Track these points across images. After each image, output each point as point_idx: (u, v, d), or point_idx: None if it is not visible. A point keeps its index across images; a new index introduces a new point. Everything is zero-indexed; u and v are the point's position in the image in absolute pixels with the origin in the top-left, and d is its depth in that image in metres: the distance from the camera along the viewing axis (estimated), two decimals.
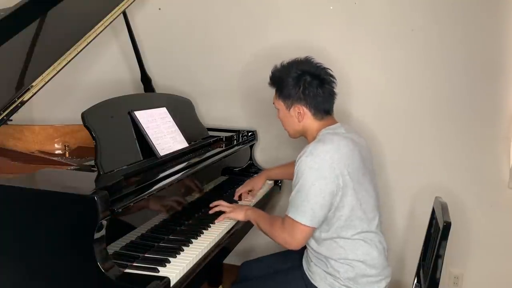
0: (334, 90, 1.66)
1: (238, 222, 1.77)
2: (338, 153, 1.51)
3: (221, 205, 1.78)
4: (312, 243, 1.61)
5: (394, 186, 2.35)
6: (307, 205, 1.48)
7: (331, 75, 1.65)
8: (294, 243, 1.53)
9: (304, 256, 1.71)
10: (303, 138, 1.69)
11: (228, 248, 1.72)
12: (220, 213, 1.76)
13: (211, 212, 1.77)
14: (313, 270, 1.62)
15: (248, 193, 2.07)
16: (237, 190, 2.06)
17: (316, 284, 1.60)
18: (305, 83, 1.60)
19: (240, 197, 2.03)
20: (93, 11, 2.01)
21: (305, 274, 1.65)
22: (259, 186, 2.09)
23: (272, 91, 1.65)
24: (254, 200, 2.04)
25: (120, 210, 1.31)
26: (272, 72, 1.70)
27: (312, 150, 1.52)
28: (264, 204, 2.15)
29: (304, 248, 1.72)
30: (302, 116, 1.63)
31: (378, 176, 2.35)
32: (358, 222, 1.55)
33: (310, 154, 1.51)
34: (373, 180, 1.66)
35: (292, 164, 1.99)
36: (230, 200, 1.98)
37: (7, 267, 1.33)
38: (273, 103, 1.72)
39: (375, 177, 1.69)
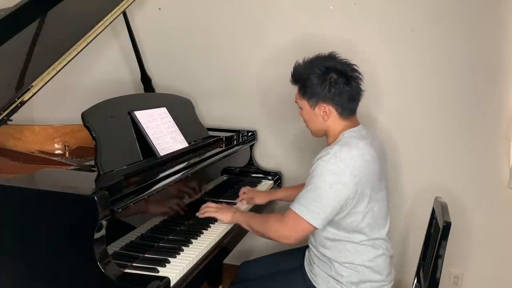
0: (361, 87, 1.58)
1: None
2: (362, 160, 1.47)
3: (208, 206, 1.75)
4: (317, 245, 1.60)
5: (394, 186, 2.34)
6: (318, 205, 1.45)
7: (358, 71, 1.58)
8: (291, 238, 1.50)
9: (305, 257, 1.69)
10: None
11: (228, 248, 1.72)
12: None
13: (200, 216, 1.73)
14: (316, 272, 1.60)
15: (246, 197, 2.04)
16: (243, 188, 2.03)
17: (318, 287, 1.58)
18: (331, 81, 1.53)
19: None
20: (93, 11, 2.01)
21: (306, 275, 1.64)
22: (260, 201, 2.01)
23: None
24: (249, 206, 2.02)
25: (120, 210, 1.32)
26: (294, 69, 1.63)
27: (336, 153, 1.46)
28: (262, 207, 2.14)
29: (305, 248, 1.72)
30: (328, 116, 1.56)
31: None
32: (368, 229, 1.53)
33: (333, 157, 1.45)
34: (386, 187, 1.62)
35: (297, 188, 1.98)
36: (231, 200, 1.98)
37: (7, 267, 1.33)
38: (296, 101, 1.65)
39: (387, 183, 1.65)
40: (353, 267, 1.53)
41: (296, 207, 1.48)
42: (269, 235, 1.55)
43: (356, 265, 1.53)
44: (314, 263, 1.62)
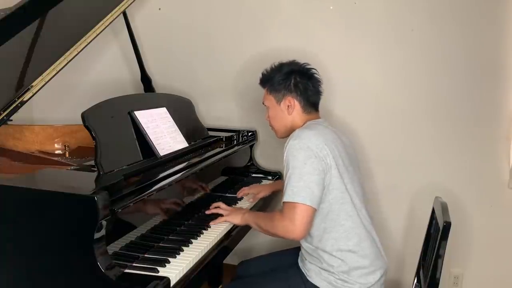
0: (320, 88, 1.75)
1: None
2: (323, 136, 1.57)
3: (220, 207, 1.79)
4: (305, 239, 1.62)
5: (394, 186, 2.35)
6: (302, 184, 1.49)
7: (318, 74, 1.75)
8: (296, 230, 1.49)
9: (299, 255, 1.72)
10: None
11: (228, 248, 1.72)
12: (218, 214, 1.77)
13: (208, 212, 1.78)
14: (308, 267, 1.63)
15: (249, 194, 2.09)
16: (243, 188, 2.08)
17: (312, 281, 1.61)
18: (296, 77, 1.70)
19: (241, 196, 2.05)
20: (93, 11, 2.01)
21: (301, 271, 1.67)
22: (265, 193, 2.11)
23: None
24: (250, 203, 2.04)
25: (120, 210, 1.32)
26: (262, 74, 1.80)
27: (298, 134, 1.57)
28: (265, 203, 2.15)
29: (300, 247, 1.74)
30: (292, 108, 1.69)
31: (378, 177, 2.36)
32: (347, 207, 1.57)
33: (297, 137, 1.56)
34: (359, 177, 1.69)
35: None
36: (231, 201, 1.98)
37: (7, 267, 1.33)
38: (263, 103, 1.79)
39: (360, 175, 1.73)
40: (340, 254, 1.56)
41: (285, 197, 1.52)
42: (275, 232, 1.57)
43: (343, 251, 1.56)
44: (306, 259, 1.65)
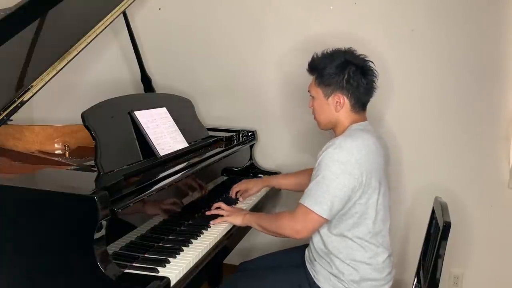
0: (375, 83, 1.63)
1: None
2: (366, 150, 1.50)
3: (221, 207, 1.78)
4: (318, 240, 1.60)
5: (394, 186, 2.34)
6: (327, 196, 1.46)
7: (374, 68, 1.62)
8: (303, 233, 1.51)
9: (306, 256, 1.70)
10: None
11: (228, 248, 1.72)
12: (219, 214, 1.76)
13: (208, 213, 1.76)
14: (317, 270, 1.61)
15: (241, 194, 2.04)
16: (233, 187, 2.03)
17: (319, 284, 1.59)
18: (349, 73, 1.56)
19: (236, 195, 2.03)
20: (93, 11, 2.01)
21: (308, 272, 1.64)
22: (254, 191, 2.04)
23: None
24: (252, 202, 2.03)
25: (120, 210, 1.32)
26: (312, 59, 1.65)
27: (341, 143, 1.49)
28: (263, 205, 2.15)
29: (304, 247, 1.73)
30: (341, 106, 1.59)
31: None
32: (370, 222, 1.54)
33: (338, 147, 1.49)
34: (388, 186, 1.65)
35: (298, 174, 1.98)
36: (230, 201, 1.98)
37: (7, 267, 1.33)
38: (308, 91, 1.67)
39: (388, 183, 1.68)
40: (353, 264, 1.54)
41: (304, 200, 1.50)
42: (282, 233, 1.57)
43: (357, 262, 1.54)
44: (315, 260, 1.62)
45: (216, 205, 1.80)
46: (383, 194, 1.57)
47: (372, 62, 1.62)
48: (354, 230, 1.54)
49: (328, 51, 1.63)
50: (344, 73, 1.56)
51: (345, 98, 1.58)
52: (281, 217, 1.58)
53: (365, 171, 1.48)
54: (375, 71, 1.62)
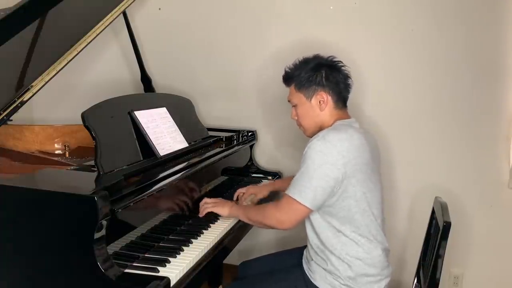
0: (350, 81, 1.68)
1: (238, 221, 1.77)
2: (350, 143, 1.52)
3: (205, 203, 1.77)
4: (312, 236, 1.61)
5: (394, 186, 2.35)
6: (310, 186, 1.49)
7: (344, 65, 1.68)
8: (287, 222, 1.54)
9: (304, 256, 1.71)
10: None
11: (228, 248, 1.72)
12: (213, 214, 1.76)
13: (201, 216, 1.75)
14: (313, 269, 1.62)
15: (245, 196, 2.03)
16: (239, 190, 2.04)
17: (316, 284, 1.59)
18: (326, 70, 1.63)
19: (237, 198, 2.02)
20: (93, 11, 2.01)
21: (305, 273, 1.65)
22: (263, 194, 2.05)
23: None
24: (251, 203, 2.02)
25: (120, 210, 1.32)
26: (285, 71, 1.71)
27: (324, 135, 1.52)
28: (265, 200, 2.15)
29: (304, 247, 1.73)
30: (325, 104, 1.63)
31: None
32: (360, 216, 1.55)
33: (322, 139, 1.51)
34: (379, 180, 1.65)
35: None
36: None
37: (7, 267, 1.33)
38: (289, 100, 1.72)
39: (380, 178, 1.68)
40: (348, 260, 1.55)
41: (290, 191, 1.53)
42: (266, 223, 1.59)
43: (351, 257, 1.55)
44: (312, 259, 1.63)
45: (201, 203, 1.78)
46: (372, 189, 1.58)
47: (341, 62, 1.68)
48: (346, 224, 1.55)
49: (298, 60, 1.70)
50: (321, 72, 1.62)
51: (327, 95, 1.63)
52: (267, 208, 1.61)
53: (348, 163, 1.50)
54: (346, 67, 1.68)
